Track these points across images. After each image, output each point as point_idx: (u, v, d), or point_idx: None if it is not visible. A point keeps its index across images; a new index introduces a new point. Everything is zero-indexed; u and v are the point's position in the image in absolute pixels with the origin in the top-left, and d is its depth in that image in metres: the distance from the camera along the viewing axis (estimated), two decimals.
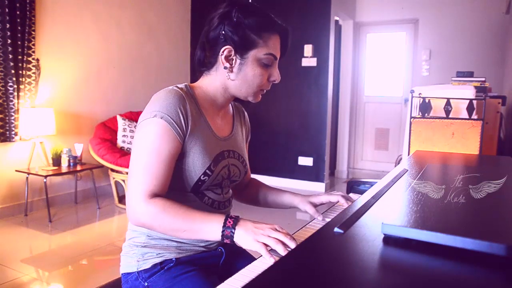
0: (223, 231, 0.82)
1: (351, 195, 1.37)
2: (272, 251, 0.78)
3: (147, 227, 0.88)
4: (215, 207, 1.01)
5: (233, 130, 1.08)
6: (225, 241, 0.82)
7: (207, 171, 0.94)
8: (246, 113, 1.20)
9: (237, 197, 1.23)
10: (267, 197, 1.19)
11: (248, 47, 0.93)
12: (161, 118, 0.88)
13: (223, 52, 0.94)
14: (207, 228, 0.83)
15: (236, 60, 0.94)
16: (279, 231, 0.80)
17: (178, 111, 0.89)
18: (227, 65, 0.95)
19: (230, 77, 0.96)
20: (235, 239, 0.81)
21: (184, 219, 0.84)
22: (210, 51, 0.97)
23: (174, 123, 0.89)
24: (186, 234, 0.85)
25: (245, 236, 0.80)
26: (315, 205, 1.10)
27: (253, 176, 1.26)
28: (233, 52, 0.94)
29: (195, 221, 0.84)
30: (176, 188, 0.94)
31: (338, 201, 1.10)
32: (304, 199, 1.11)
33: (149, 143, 0.87)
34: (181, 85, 0.97)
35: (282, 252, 0.76)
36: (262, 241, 0.78)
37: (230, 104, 1.12)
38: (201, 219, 0.84)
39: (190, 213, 0.85)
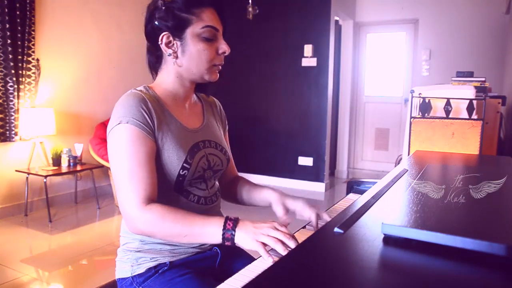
0: (223, 233, 0.81)
1: (351, 195, 1.36)
2: (272, 250, 0.78)
3: (147, 234, 0.87)
4: (202, 203, 1.00)
5: (205, 121, 1.07)
6: (226, 243, 0.82)
7: (184, 164, 0.93)
8: (218, 103, 1.18)
9: (222, 195, 1.17)
10: (248, 194, 1.13)
11: (182, 27, 0.93)
12: (127, 122, 0.87)
13: (161, 40, 0.94)
14: (207, 232, 0.83)
15: (176, 43, 0.94)
16: (278, 229, 0.80)
17: (141, 110, 0.89)
18: (170, 51, 0.95)
19: (178, 63, 0.96)
20: (235, 241, 0.81)
21: (183, 224, 0.84)
22: (153, 46, 0.98)
23: (141, 123, 0.88)
24: (187, 239, 0.85)
25: (245, 237, 0.80)
26: (287, 209, 1.03)
27: (253, 176, 1.25)
28: (171, 37, 0.94)
29: (194, 225, 0.84)
30: (159, 190, 0.92)
31: (309, 218, 1.00)
32: (280, 199, 1.04)
33: (124, 150, 0.87)
34: (140, 87, 0.96)
35: (282, 251, 0.76)
36: (261, 240, 0.78)
37: (195, 96, 1.10)
38: (200, 223, 0.84)
39: (189, 217, 0.85)
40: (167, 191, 0.94)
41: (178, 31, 0.93)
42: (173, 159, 0.92)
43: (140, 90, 0.94)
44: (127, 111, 0.88)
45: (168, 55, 0.95)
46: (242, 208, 1.24)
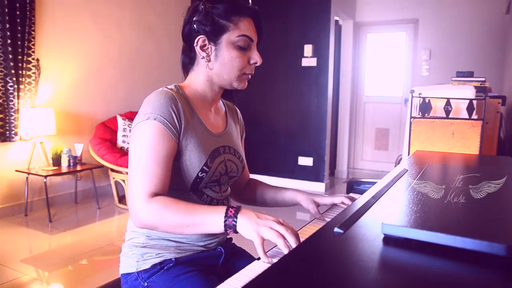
0: (225, 221, 0.81)
1: (351, 195, 1.36)
2: (271, 251, 0.78)
3: (151, 227, 0.87)
4: (214, 204, 1.01)
5: (227, 127, 1.09)
6: (228, 231, 0.82)
7: (204, 167, 0.95)
8: (239, 111, 1.21)
9: (236, 198, 1.23)
10: (266, 195, 1.18)
11: (219, 32, 0.95)
12: (155, 119, 0.88)
13: (197, 42, 0.97)
14: (209, 220, 0.83)
15: (211, 47, 0.97)
16: (282, 224, 0.79)
17: (170, 110, 0.90)
18: (204, 54, 0.97)
19: (209, 66, 0.98)
20: (238, 229, 0.80)
21: (185, 213, 0.84)
22: (188, 47, 1.00)
23: (168, 123, 0.89)
24: (190, 229, 0.85)
25: (247, 225, 0.79)
26: (317, 205, 1.11)
27: (252, 176, 1.26)
28: (206, 41, 0.96)
29: (197, 214, 0.84)
30: (175, 188, 0.94)
31: (342, 202, 1.10)
32: (308, 197, 1.12)
33: (145, 145, 0.88)
34: (171, 86, 0.98)
35: (283, 247, 0.75)
36: (262, 234, 0.77)
37: (221, 102, 1.14)
38: (202, 212, 0.84)
39: (191, 207, 0.85)
40: (183, 190, 0.96)
41: (214, 36, 0.95)
42: (194, 161, 0.94)
43: (171, 89, 0.96)
44: (156, 109, 0.89)
45: (202, 58, 0.98)
46: (255, 209, 1.25)
